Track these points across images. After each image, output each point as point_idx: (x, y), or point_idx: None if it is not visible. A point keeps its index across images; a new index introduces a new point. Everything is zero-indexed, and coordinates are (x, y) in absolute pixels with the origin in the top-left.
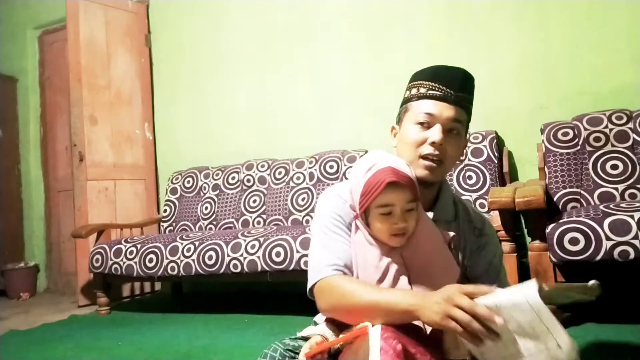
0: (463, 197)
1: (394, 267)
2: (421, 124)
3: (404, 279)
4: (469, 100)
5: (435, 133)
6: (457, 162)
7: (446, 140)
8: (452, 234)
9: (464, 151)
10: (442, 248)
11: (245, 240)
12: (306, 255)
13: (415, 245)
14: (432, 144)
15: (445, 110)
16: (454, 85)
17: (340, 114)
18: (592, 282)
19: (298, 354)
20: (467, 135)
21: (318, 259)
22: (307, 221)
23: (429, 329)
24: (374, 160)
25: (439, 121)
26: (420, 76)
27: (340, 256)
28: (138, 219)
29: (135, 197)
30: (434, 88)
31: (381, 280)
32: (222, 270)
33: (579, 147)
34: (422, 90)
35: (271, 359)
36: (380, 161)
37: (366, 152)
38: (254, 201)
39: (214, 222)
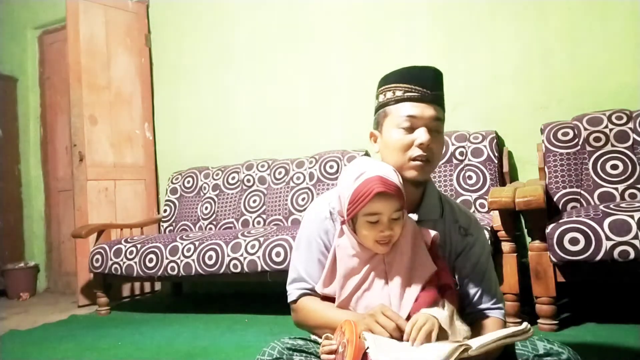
0: (463, 197)
1: (374, 272)
2: (405, 127)
3: (379, 282)
4: (442, 97)
5: (422, 135)
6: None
7: (431, 139)
8: (434, 232)
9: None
10: (420, 248)
11: (245, 240)
12: None
13: (397, 249)
14: (420, 145)
15: (426, 111)
16: (429, 85)
17: (340, 114)
18: (524, 325)
19: (296, 351)
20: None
21: (291, 275)
22: None
23: None
24: (362, 167)
25: (423, 122)
26: (393, 79)
27: (309, 275)
28: (138, 219)
29: (135, 197)
30: (410, 90)
31: (362, 282)
32: (222, 270)
33: (579, 147)
34: (399, 93)
35: (269, 356)
36: (369, 169)
37: (366, 152)
38: (254, 201)
39: (214, 222)
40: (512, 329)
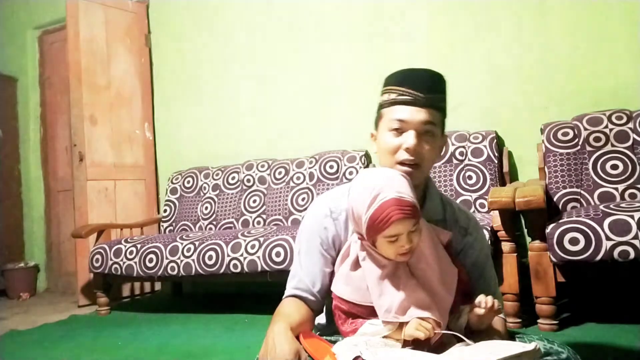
0: (463, 197)
1: (402, 278)
2: (395, 130)
3: (411, 284)
4: (440, 99)
5: (409, 138)
6: (437, 160)
7: (421, 143)
8: (449, 233)
9: (443, 149)
10: (441, 253)
11: (245, 240)
12: None
13: (421, 258)
14: (407, 149)
15: (416, 115)
16: (422, 88)
17: (340, 114)
18: (532, 345)
19: None
20: (445, 133)
21: (292, 274)
22: None
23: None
24: (377, 187)
25: (412, 126)
26: (390, 81)
27: (308, 272)
28: (138, 219)
29: (135, 197)
30: (403, 93)
31: (396, 289)
32: (222, 270)
33: (579, 147)
34: (393, 95)
35: None
36: (384, 189)
37: (366, 152)
38: (254, 201)
39: (214, 222)
40: (520, 348)
